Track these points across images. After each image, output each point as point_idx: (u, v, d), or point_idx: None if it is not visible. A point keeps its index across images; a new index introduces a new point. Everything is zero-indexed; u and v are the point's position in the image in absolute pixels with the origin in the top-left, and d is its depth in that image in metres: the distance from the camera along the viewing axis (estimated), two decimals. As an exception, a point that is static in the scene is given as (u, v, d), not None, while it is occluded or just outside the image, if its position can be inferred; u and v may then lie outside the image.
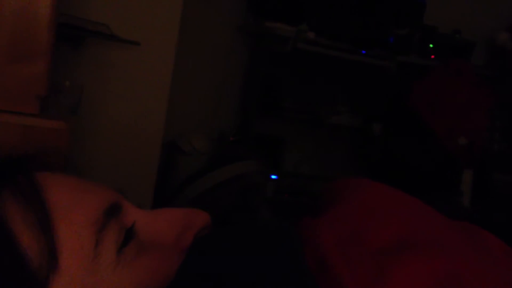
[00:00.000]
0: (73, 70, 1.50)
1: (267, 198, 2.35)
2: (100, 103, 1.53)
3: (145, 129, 1.63)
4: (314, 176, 2.82)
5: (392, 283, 0.41)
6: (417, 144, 2.33)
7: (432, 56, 2.63)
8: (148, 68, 1.62)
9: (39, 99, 0.91)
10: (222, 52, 2.48)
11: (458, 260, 0.45)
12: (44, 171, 0.45)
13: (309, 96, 2.80)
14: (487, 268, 0.47)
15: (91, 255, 0.40)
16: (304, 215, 0.54)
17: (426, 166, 2.29)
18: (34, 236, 0.39)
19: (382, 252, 0.45)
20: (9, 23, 0.88)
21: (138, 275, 0.43)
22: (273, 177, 2.51)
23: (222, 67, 2.51)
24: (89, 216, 0.41)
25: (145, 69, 1.61)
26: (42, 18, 0.91)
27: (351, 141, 2.95)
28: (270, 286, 0.42)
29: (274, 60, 2.53)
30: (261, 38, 2.53)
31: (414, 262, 0.43)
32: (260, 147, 2.57)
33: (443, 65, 2.50)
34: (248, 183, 2.03)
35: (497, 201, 2.33)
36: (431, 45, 2.63)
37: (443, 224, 0.53)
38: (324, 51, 2.41)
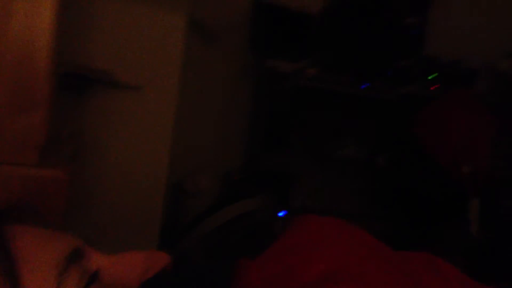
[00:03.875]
0: (75, 118, 1.52)
1: (276, 235, 2.32)
2: (102, 149, 1.54)
3: (148, 172, 1.63)
4: (323, 210, 2.80)
5: None
6: (422, 174, 2.32)
7: (433, 87, 2.64)
8: (150, 112, 1.64)
9: (38, 149, 0.92)
10: (226, 91, 2.51)
11: None
12: (15, 223, 0.48)
13: (314, 130, 2.81)
14: None
15: None
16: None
17: (432, 196, 2.27)
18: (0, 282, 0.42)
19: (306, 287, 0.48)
20: (8, 75, 0.90)
21: None
22: (282, 213, 2.48)
23: (227, 105, 2.53)
24: (51, 261, 0.44)
25: (147, 113, 1.63)
26: (41, 70, 0.92)
27: (358, 174, 2.94)
28: None
29: (279, 96, 2.55)
30: (263, 76, 2.56)
31: None
32: (267, 184, 2.56)
33: (445, 94, 2.51)
34: (256, 221, 2.02)
35: (506, 229, 2.29)
36: (429, 77, 2.64)
37: (378, 257, 0.54)
38: (324, 86, 2.43)
